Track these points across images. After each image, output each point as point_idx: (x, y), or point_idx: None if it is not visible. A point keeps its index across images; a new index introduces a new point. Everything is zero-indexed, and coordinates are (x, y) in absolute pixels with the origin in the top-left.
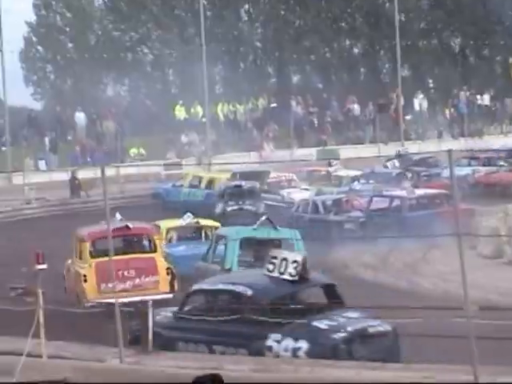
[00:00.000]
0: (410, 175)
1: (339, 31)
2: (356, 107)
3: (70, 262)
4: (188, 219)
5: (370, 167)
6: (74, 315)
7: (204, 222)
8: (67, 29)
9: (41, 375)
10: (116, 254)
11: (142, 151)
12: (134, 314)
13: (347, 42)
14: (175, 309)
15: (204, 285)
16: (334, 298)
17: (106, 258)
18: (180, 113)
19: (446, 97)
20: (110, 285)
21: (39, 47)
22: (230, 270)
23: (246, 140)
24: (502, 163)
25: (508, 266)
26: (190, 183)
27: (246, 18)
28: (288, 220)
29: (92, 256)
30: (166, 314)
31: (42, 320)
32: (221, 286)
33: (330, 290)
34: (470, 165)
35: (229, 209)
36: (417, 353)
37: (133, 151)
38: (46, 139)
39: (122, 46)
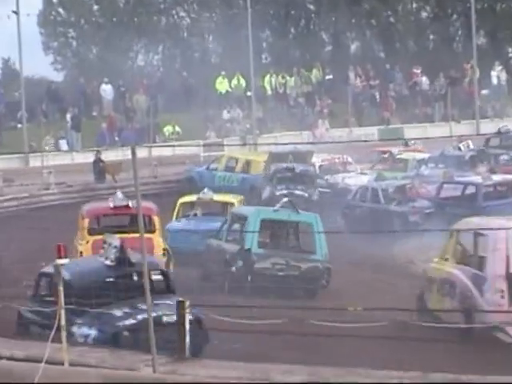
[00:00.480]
0: (486, 158)
1: None
2: (424, 80)
3: (75, 239)
4: (205, 194)
5: (439, 149)
6: None
7: (220, 197)
8: None
9: None
10: (114, 233)
11: (178, 129)
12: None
13: (414, 5)
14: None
15: (47, 268)
16: (158, 285)
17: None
18: (221, 86)
19: None
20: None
21: (60, 9)
22: (249, 250)
23: (297, 117)
24: None
25: None
26: (226, 166)
27: None
28: (343, 210)
29: (90, 233)
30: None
31: (63, 322)
32: (50, 270)
33: (156, 275)
34: None
35: (277, 193)
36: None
37: (167, 129)
38: (68, 115)
39: (154, 8)
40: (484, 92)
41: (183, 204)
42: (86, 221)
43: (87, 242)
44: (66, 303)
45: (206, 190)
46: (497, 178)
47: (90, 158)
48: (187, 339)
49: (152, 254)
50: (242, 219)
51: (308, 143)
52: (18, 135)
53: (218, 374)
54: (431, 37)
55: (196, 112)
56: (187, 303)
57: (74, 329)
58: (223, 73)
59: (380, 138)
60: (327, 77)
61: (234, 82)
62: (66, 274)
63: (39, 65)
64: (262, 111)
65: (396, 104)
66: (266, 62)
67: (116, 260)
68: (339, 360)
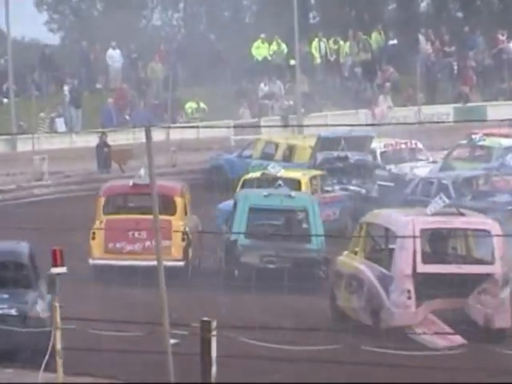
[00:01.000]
0: None
1: None
2: None
3: None
4: (274, 168)
5: None
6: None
7: (289, 173)
8: None
9: None
10: (130, 213)
11: (203, 106)
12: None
13: None
14: None
15: None
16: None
17: (119, 216)
18: (259, 52)
19: None
20: (118, 245)
21: None
22: (235, 241)
23: (353, 92)
24: None
25: None
26: (263, 152)
27: None
28: (400, 205)
29: (105, 213)
30: None
31: (59, 346)
32: None
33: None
34: None
35: (327, 189)
36: None
37: (190, 106)
38: (66, 88)
39: None
40: None
41: (247, 180)
42: (102, 199)
43: (101, 222)
44: None
45: (273, 164)
46: None
47: (92, 141)
48: (213, 365)
49: (169, 239)
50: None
51: (366, 125)
52: (3, 112)
53: None
54: None
55: (226, 85)
56: None
57: None
58: (262, 36)
59: (456, 119)
60: (391, 42)
61: (274, 47)
62: None
63: (31, 25)
64: (309, 84)
65: (477, 77)
66: (313, 23)
67: None
68: None
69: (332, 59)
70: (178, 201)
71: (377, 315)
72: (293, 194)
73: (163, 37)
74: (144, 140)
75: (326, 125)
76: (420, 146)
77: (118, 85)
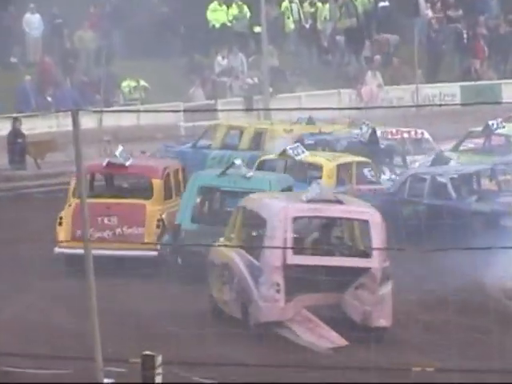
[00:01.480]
0: None
1: None
2: None
3: None
4: (294, 148)
5: None
6: None
7: (309, 157)
8: None
9: None
10: (101, 197)
11: (144, 84)
12: None
13: None
14: None
15: None
16: None
17: (92, 200)
18: (215, 16)
19: None
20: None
21: None
22: (179, 225)
23: (334, 67)
24: None
25: None
26: (224, 141)
27: None
28: (382, 208)
29: (75, 195)
30: None
31: None
32: None
33: None
34: None
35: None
36: None
37: (128, 85)
38: None
39: None
40: None
41: (262, 162)
42: (73, 181)
43: (69, 206)
44: None
45: (296, 144)
46: None
47: (3, 129)
48: None
49: (142, 225)
50: None
51: (351, 108)
52: None
53: None
54: None
55: (173, 58)
56: None
57: None
58: None
59: (464, 101)
60: (381, 3)
61: (234, 10)
62: None
63: None
64: (278, 57)
65: (489, 48)
66: None
67: None
68: None
69: (307, 25)
70: (156, 183)
71: (246, 309)
72: (249, 174)
73: None
74: (70, 127)
75: (300, 108)
76: (427, 135)
77: (38, 58)
